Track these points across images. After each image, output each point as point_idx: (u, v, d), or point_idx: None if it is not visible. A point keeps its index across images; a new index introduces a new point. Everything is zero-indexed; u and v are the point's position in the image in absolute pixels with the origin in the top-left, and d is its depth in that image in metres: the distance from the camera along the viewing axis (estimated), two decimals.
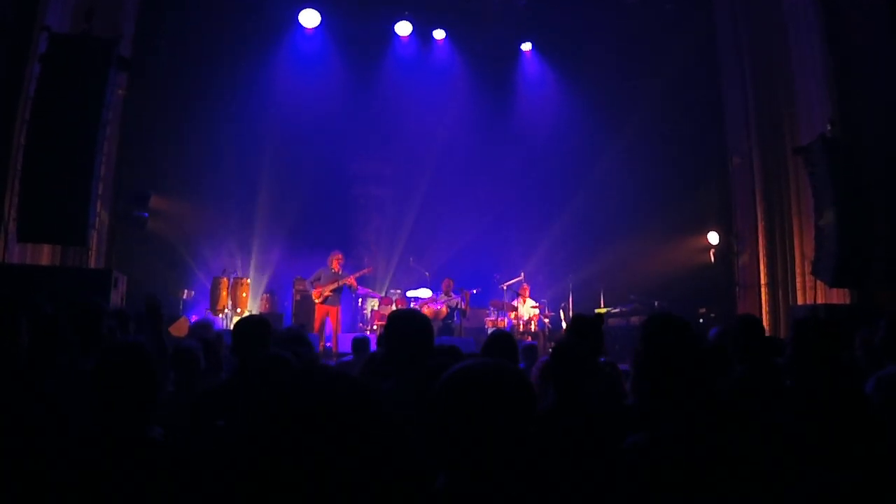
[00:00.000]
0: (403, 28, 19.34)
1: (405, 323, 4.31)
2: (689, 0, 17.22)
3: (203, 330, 7.68)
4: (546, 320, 16.80)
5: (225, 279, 16.31)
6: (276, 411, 1.80)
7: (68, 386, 4.23)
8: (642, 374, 3.21)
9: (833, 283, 11.99)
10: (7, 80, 10.03)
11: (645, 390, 3.17)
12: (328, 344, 14.72)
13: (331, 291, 14.94)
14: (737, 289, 16.31)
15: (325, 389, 1.82)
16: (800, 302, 13.85)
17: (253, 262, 18.06)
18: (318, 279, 15.13)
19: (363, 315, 17.57)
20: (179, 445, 3.28)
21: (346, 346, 13.81)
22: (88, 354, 4.79)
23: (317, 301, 14.99)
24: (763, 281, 15.28)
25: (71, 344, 4.75)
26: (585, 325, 5.92)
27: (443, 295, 16.63)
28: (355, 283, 15.35)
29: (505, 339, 5.87)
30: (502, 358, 5.43)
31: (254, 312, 16.75)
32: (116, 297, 9.42)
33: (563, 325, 16.95)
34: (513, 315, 16.67)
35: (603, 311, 17.20)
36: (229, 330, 6.85)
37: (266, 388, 1.85)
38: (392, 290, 18.48)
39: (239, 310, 16.11)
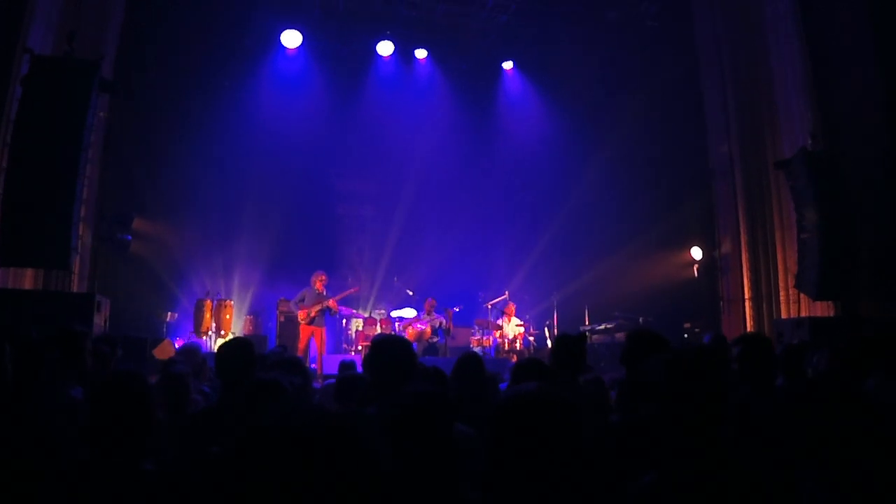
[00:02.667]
0: (385, 48, 19.40)
1: (386, 349, 4.34)
2: (670, 15, 17.30)
3: (190, 354, 7.63)
4: (531, 338, 16.83)
5: (209, 301, 16.26)
6: (259, 446, 1.80)
7: (56, 413, 4.19)
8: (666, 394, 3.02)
9: (816, 296, 12.03)
10: None
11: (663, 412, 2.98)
12: (313, 365, 14.64)
13: (317, 312, 14.88)
14: (721, 303, 16.32)
15: (306, 428, 1.83)
16: (784, 316, 13.87)
17: (236, 284, 18.02)
18: (303, 300, 15.06)
19: (347, 336, 17.54)
20: (173, 474, 3.24)
21: (330, 367, 13.74)
22: (77, 381, 4.75)
23: (302, 322, 14.90)
24: (747, 295, 15.29)
25: (58, 371, 4.70)
26: (570, 343, 5.91)
27: (426, 315, 16.58)
28: (336, 307, 15.25)
29: (470, 363, 5.86)
30: (472, 380, 5.47)
31: (238, 334, 16.69)
32: (100, 321, 9.37)
33: (549, 342, 16.96)
34: (498, 334, 16.65)
35: (588, 327, 17.24)
36: (214, 353, 6.83)
37: (251, 419, 1.88)
38: (376, 311, 18.46)
39: (223, 332, 16.06)
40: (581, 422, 2.42)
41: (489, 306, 17.20)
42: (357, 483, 1.78)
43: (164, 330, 15.87)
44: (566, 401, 2.46)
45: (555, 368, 5.55)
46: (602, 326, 17.22)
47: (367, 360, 4.47)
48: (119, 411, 3.18)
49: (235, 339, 5.60)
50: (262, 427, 1.83)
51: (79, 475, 3.03)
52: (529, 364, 5.69)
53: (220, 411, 4.69)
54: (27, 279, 11.21)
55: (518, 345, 16.42)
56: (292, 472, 1.74)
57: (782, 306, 14.25)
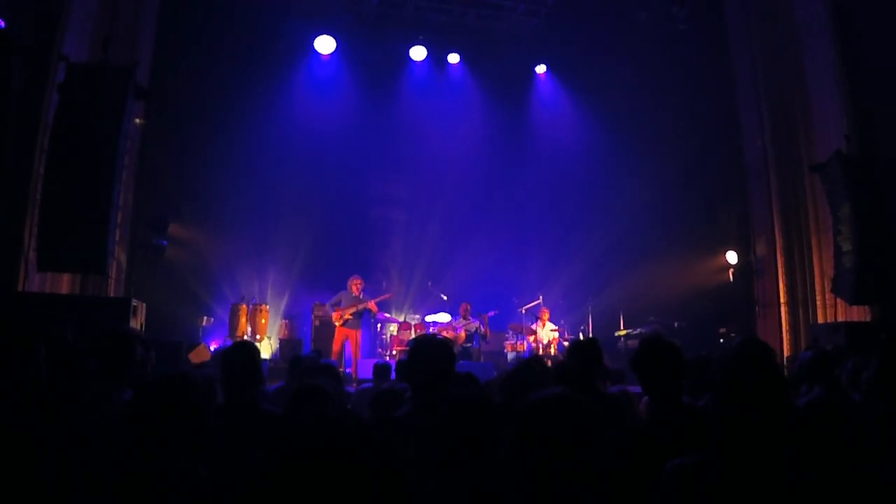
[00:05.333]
0: (418, 52, 19.47)
1: (426, 348, 4.31)
2: (702, 18, 17.18)
3: None
4: (566, 343, 16.65)
5: (244, 305, 16.35)
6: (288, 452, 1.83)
7: (94, 415, 4.19)
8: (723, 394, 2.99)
9: (853, 300, 11.91)
10: (25, 109, 10.09)
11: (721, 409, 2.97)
12: (347, 370, 14.67)
13: (351, 315, 14.88)
14: (756, 308, 16.20)
15: (331, 442, 1.85)
16: (820, 320, 13.76)
17: (271, 288, 18.11)
18: (338, 303, 15.07)
19: (382, 340, 17.56)
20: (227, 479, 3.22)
21: (365, 371, 13.77)
22: (119, 384, 4.74)
23: (337, 324, 14.91)
24: (783, 300, 15.16)
25: (97, 373, 4.71)
26: (583, 349, 5.86)
27: (461, 319, 16.55)
28: (375, 308, 15.28)
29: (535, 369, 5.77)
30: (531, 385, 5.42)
31: (273, 338, 16.79)
32: (135, 326, 9.44)
33: None
34: (532, 338, 16.60)
35: (623, 332, 17.18)
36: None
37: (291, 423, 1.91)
38: (411, 315, 18.47)
39: (258, 336, 16.15)
40: (598, 425, 2.46)
41: (523, 311, 17.13)
42: (382, 489, 1.80)
43: (200, 334, 15.99)
44: (587, 405, 2.54)
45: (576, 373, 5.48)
46: (637, 331, 17.12)
47: (406, 361, 4.45)
48: (170, 414, 3.19)
49: (243, 344, 5.56)
50: (292, 433, 1.85)
51: (130, 477, 3.03)
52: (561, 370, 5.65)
53: (227, 414, 4.64)
54: (64, 284, 11.32)
55: (552, 350, 16.33)
56: (318, 478, 1.75)
57: (819, 311, 14.12)
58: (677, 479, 2.83)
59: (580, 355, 5.74)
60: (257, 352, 5.28)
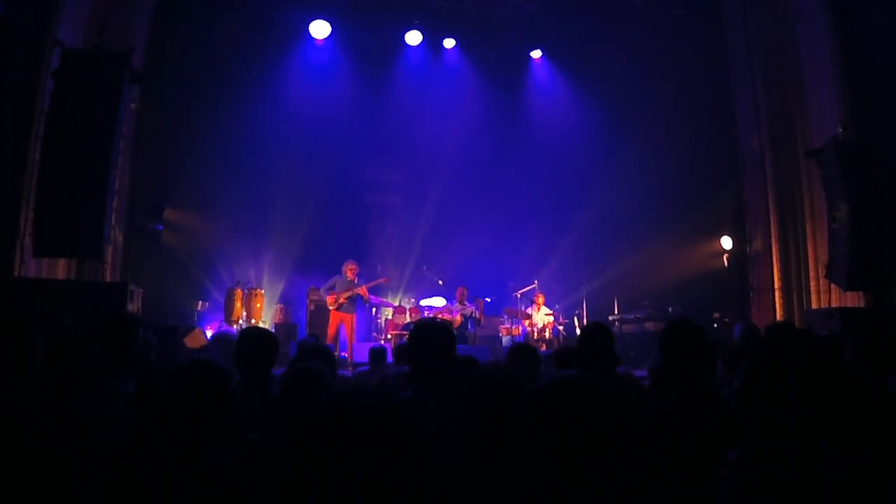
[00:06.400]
0: (413, 37, 19.38)
1: (429, 332, 4.35)
2: (699, 4, 17.20)
3: (224, 342, 7.68)
4: (560, 328, 16.71)
5: (239, 290, 16.37)
6: (312, 428, 1.85)
7: (97, 404, 4.17)
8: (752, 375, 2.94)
9: (847, 286, 11.92)
10: (21, 95, 10.07)
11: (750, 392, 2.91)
12: (343, 353, 14.69)
13: (345, 299, 14.90)
14: (751, 293, 16.23)
15: (359, 407, 1.87)
16: (814, 306, 13.80)
17: (267, 273, 18.12)
18: (333, 287, 15.08)
19: (377, 324, 17.56)
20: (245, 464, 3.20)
21: (360, 355, 13.79)
22: (123, 370, 4.72)
23: (331, 307, 14.93)
24: (777, 285, 15.21)
25: (99, 360, 4.70)
26: (597, 333, 5.88)
27: (457, 304, 16.54)
28: (367, 294, 15.28)
29: (527, 352, 5.83)
30: (526, 369, 5.46)
31: (268, 323, 16.79)
32: (132, 310, 9.45)
33: (578, 331, 16.91)
34: (527, 323, 16.62)
35: (617, 317, 17.22)
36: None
37: (301, 404, 1.93)
38: (406, 299, 18.48)
39: (253, 320, 16.15)
40: (613, 407, 2.49)
41: (518, 295, 17.15)
42: (409, 462, 1.83)
43: (195, 319, 15.99)
44: (601, 387, 2.60)
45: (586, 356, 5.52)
46: (632, 316, 17.17)
47: (407, 344, 4.49)
48: (201, 401, 3.21)
49: (261, 330, 5.61)
50: (319, 412, 1.87)
51: (164, 465, 3.04)
52: (568, 352, 5.71)
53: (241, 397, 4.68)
54: (60, 269, 11.33)
55: (547, 334, 16.36)
56: (348, 456, 1.78)
57: (813, 296, 14.17)
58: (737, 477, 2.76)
59: (594, 339, 5.76)
60: (276, 342, 5.36)
